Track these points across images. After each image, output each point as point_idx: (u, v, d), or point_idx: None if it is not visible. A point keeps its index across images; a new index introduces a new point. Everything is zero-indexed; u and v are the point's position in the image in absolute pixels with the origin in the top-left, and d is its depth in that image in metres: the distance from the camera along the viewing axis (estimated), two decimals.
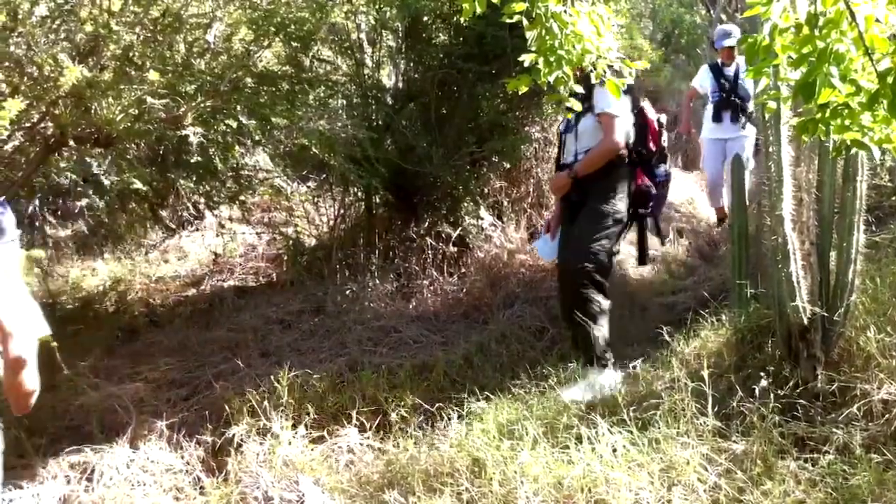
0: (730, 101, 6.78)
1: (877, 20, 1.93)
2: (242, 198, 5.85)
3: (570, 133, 4.17)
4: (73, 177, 5.10)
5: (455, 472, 2.98)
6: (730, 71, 6.81)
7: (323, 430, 3.78)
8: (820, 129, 2.14)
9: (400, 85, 6.43)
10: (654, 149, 4.31)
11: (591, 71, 3.39)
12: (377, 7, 6.03)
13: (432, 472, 3.04)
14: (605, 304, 4.08)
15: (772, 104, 2.98)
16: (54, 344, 3.53)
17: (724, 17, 10.81)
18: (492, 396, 3.79)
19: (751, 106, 6.61)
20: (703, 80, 7.10)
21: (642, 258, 4.69)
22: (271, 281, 6.36)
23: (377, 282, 5.67)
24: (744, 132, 6.75)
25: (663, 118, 4.53)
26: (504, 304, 5.42)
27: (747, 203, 4.62)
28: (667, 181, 4.50)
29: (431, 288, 5.71)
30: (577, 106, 3.14)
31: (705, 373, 3.19)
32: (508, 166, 6.52)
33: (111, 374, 4.46)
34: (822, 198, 3.46)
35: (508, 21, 2.91)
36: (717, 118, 6.86)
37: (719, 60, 6.92)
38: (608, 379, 3.80)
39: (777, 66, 2.27)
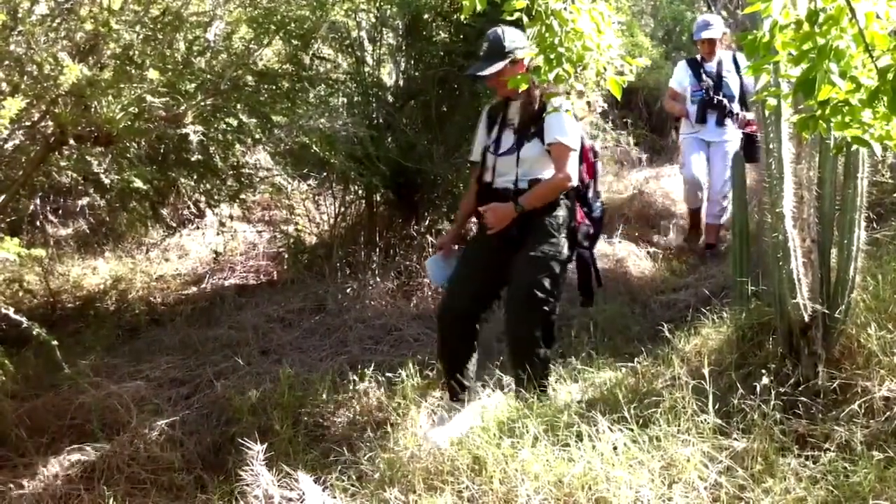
0: (713, 101, 6.16)
1: (877, 17, 1.93)
2: (243, 196, 5.85)
3: (508, 155, 3.61)
4: (74, 175, 5.09)
5: (455, 470, 2.98)
6: (711, 66, 6.18)
7: (323, 428, 3.78)
8: (821, 126, 2.14)
9: (400, 83, 6.43)
10: (588, 180, 3.84)
11: (542, 94, 3.40)
12: (377, 5, 6.02)
13: (433, 470, 3.04)
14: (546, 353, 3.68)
15: (772, 101, 2.98)
16: (55, 342, 3.55)
17: (724, 13, 10.80)
18: (492, 394, 3.80)
19: (736, 106, 6.12)
20: (681, 79, 6.38)
21: (588, 296, 4.05)
22: (272, 279, 6.37)
23: (378, 280, 5.67)
24: (727, 137, 6.19)
25: (598, 145, 4.17)
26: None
27: (747, 200, 4.62)
28: (602, 217, 4.01)
29: (432, 286, 5.71)
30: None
31: (706, 370, 3.18)
32: None
33: (112, 373, 4.46)
34: (823, 195, 3.46)
35: (509, 18, 2.91)
36: (701, 119, 6.22)
37: (699, 56, 6.31)
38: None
39: (777, 62, 2.27)
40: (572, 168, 3.56)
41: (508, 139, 3.62)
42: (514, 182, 3.58)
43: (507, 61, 3.42)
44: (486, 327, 5.03)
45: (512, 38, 3.45)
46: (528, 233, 3.55)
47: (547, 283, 3.50)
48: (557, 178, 3.53)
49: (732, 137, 6.15)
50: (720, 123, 6.15)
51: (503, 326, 3.72)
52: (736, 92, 6.12)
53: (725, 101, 6.11)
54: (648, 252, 6.42)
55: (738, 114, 6.06)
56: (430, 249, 4.71)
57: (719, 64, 6.15)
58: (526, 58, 3.25)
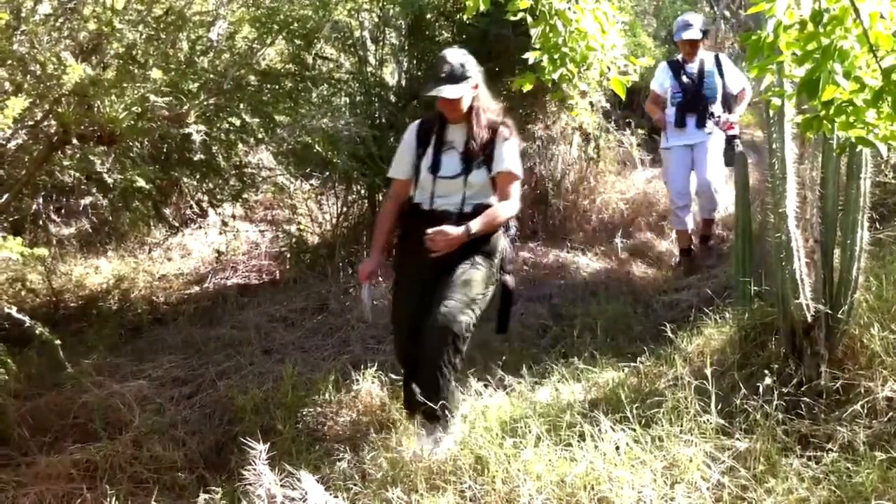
0: (694, 103, 5.84)
1: (881, 17, 1.93)
2: (246, 196, 5.86)
3: (452, 179, 3.44)
4: (77, 175, 5.09)
5: (458, 469, 2.98)
6: (693, 67, 5.87)
7: (326, 427, 3.78)
8: (824, 126, 2.14)
9: (403, 83, 6.44)
10: None
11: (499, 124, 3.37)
12: (380, 5, 6.03)
13: (435, 470, 3.04)
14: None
15: (776, 101, 2.98)
16: (57, 342, 3.55)
17: (727, 13, 10.78)
18: (495, 394, 3.80)
19: (717, 108, 5.83)
20: (661, 80, 6.02)
21: (505, 323, 3.75)
22: (274, 279, 6.37)
23: (380, 279, 5.67)
24: (710, 137, 5.85)
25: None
26: None
27: (750, 200, 4.62)
28: (515, 240, 3.86)
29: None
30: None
31: (708, 370, 3.18)
32: None
33: (114, 372, 4.46)
34: (826, 195, 3.46)
35: (512, 18, 2.92)
36: (680, 123, 5.87)
37: (679, 56, 6.00)
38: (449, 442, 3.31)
39: (781, 62, 2.27)
40: (519, 197, 3.49)
41: (452, 162, 3.45)
42: (459, 206, 3.44)
43: (470, 84, 3.35)
44: (486, 326, 5.05)
45: (470, 61, 3.38)
46: (465, 256, 3.40)
47: (476, 309, 3.39)
48: (510, 209, 3.44)
49: (715, 137, 5.84)
50: (700, 125, 5.84)
51: (426, 344, 3.35)
52: (718, 94, 5.86)
53: (704, 101, 5.82)
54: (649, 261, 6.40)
55: (718, 116, 5.76)
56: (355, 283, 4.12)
57: (701, 65, 5.87)
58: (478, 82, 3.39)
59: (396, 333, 3.65)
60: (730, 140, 5.56)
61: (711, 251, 6.25)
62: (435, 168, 3.47)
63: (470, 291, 3.36)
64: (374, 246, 3.74)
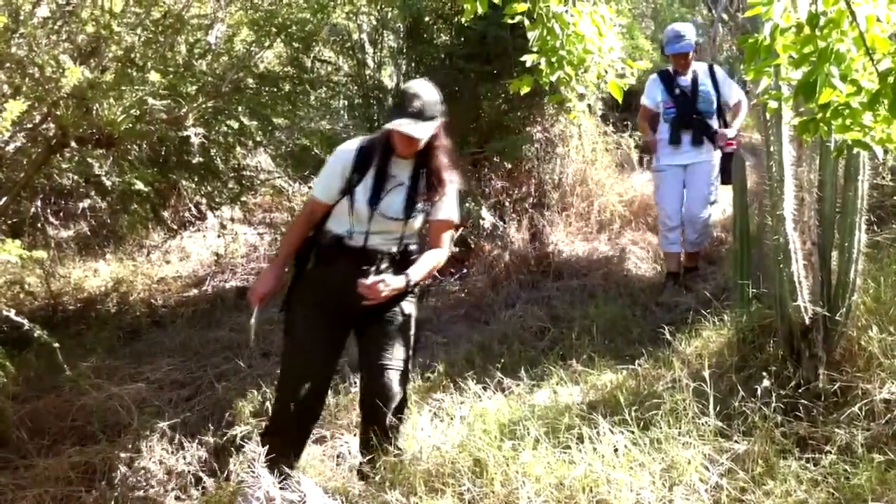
0: (689, 118, 5.48)
1: (878, 20, 1.94)
2: (244, 198, 5.86)
3: (395, 220, 3.15)
4: (75, 177, 5.10)
5: (457, 472, 2.98)
6: (685, 80, 5.53)
7: (325, 430, 3.78)
8: (821, 129, 2.14)
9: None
10: None
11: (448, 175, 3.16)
12: (379, 7, 6.04)
13: (434, 473, 3.04)
14: None
15: (773, 104, 2.99)
16: (56, 344, 3.55)
17: (725, 16, 10.79)
18: (493, 396, 3.80)
19: (714, 123, 5.50)
20: (653, 94, 5.70)
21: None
22: None
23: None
24: (706, 156, 5.51)
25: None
26: (505, 305, 5.43)
27: (748, 203, 4.62)
28: None
29: (432, 288, 5.71)
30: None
31: (707, 373, 3.18)
32: (510, 166, 6.52)
33: (113, 375, 4.46)
34: (824, 197, 3.46)
35: (510, 21, 2.92)
36: (674, 139, 5.52)
37: (670, 68, 5.62)
38: None
39: (778, 65, 2.27)
40: (450, 244, 3.34)
41: (397, 201, 3.14)
42: (394, 247, 3.16)
43: (437, 124, 3.14)
44: (485, 329, 5.05)
45: (438, 97, 3.20)
46: (394, 299, 3.14)
47: (410, 350, 3.25)
48: (444, 256, 3.27)
49: (711, 156, 5.52)
50: (697, 143, 5.48)
51: (366, 400, 3.18)
52: (713, 107, 5.52)
53: (699, 116, 5.48)
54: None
55: (716, 131, 5.45)
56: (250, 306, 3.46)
57: (695, 77, 5.52)
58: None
59: (293, 378, 3.17)
60: (729, 157, 5.34)
61: (696, 280, 5.77)
62: (375, 202, 3.12)
63: (405, 335, 3.20)
64: (274, 265, 3.35)
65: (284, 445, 3.09)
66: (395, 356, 3.14)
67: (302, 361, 3.17)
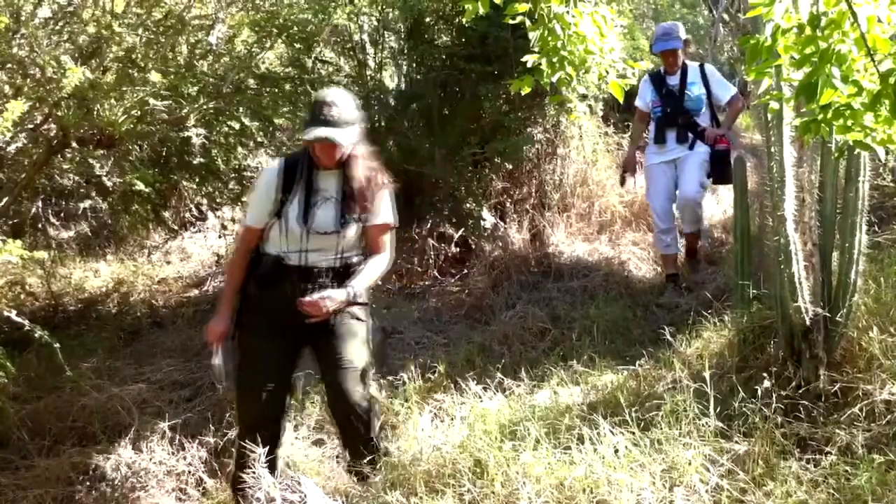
0: (674, 117, 5.50)
1: (879, 20, 1.94)
2: (245, 199, 5.86)
3: (328, 235, 3.11)
4: (76, 178, 5.11)
5: (457, 473, 2.98)
6: (674, 80, 5.54)
7: (324, 431, 3.78)
8: (822, 130, 2.14)
9: (402, 86, 6.45)
10: None
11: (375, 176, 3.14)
12: (379, 8, 6.04)
13: (434, 473, 3.04)
14: None
15: (774, 105, 2.99)
16: (57, 345, 3.55)
17: (726, 17, 10.80)
18: (494, 397, 3.80)
19: (703, 120, 5.50)
20: (644, 95, 5.73)
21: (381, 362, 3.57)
22: None
23: (379, 282, 5.67)
24: (693, 150, 5.49)
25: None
26: (506, 305, 5.43)
27: (748, 203, 4.62)
28: None
29: (433, 289, 5.72)
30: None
31: (707, 373, 3.18)
32: (511, 167, 6.52)
33: (114, 375, 4.46)
34: (825, 198, 3.46)
35: (511, 22, 2.92)
36: (659, 139, 5.56)
37: (662, 68, 5.64)
38: None
39: (779, 66, 2.27)
40: (393, 246, 3.32)
41: (328, 215, 3.11)
42: (333, 262, 3.13)
43: (356, 130, 3.11)
44: (486, 329, 5.05)
45: (355, 104, 3.18)
46: (343, 311, 3.12)
47: (370, 356, 3.22)
48: (387, 261, 3.25)
49: (699, 149, 5.47)
50: (681, 140, 5.48)
51: (336, 409, 3.16)
52: (703, 105, 5.51)
53: (685, 115, 5.48)
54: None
55: (703, 128, 5.44)
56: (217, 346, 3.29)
57: (683, 76, 5.51)
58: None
59: (250, 402, 3.16)
60: (722, 155, 5.35)
61: (699, 266, 5.88)
62: (306, 220, 3.08)
63: (363, 347, 3.16)
64: (224, 302, 3.26)
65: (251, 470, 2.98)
66: (353, 360, 3.10)
67: (257, 387, 3.11)
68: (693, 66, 5.62)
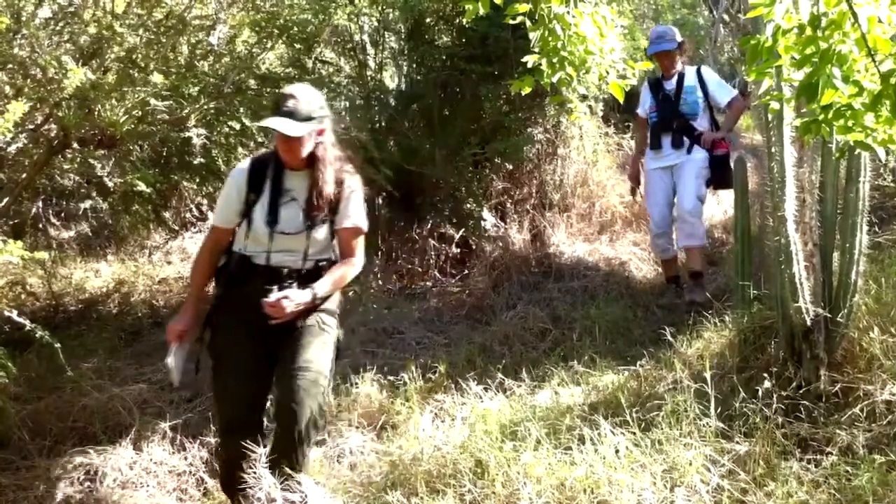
0: (669, 121, 5.41)
1: (879, 21, 1.94)
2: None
3: (295, 235, 3.04)
4: (77, 178, 5.11)
5: (458, 473, 2.98)
6: (670, 84, 5.46)
7: (325, 431, 3.78)
8: (823, 130, 2.14)
9: (402, 86, 6.46)
10: None
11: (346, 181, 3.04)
12: (380, 9, 6.04)
13: (435, 474, 3.04)
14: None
15: (775, 105, 2.99)
16: (57, 345, 3.55)
17: (726, 17, 10.80)
18: (495, 397, 3.80)
19: (701, 124, 5.40)
20: (643, 101, 5.67)
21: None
22: None
23: (380, 283, 5.69)
24: (690, 156, 5.38)
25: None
26: (507, 305, 5.43)
27: (749, 204, 4.62)
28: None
29: (434, 289, 5.72)
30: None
31: (708, 374, 3.18)
32: (511, 167, 6.53)
33: (114, 376, 4.46)
34: (825, 199, 3.46)
35: (511, 22, 2.92)
36: (655, 144, 5.48)
37: (660, 73, 5.56)
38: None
39: (780, 67, 2.27)
40: (363, 251, 3.22)
41: (294, 216, 3.03)
42: (299, 263, 3.05)
43: (314, 126, 2.97)
44: (487, 329, 5.05)
45: (319, 102, 3.05)
46: (308, 315, 3.04)
47: (330, 372, 3.08)
48: (356, 265, 3.16)
49: (696, 155, 5.36)
50: (677, 145, 5.38)
51: (278, 414, 2.98)
52: (700, 109, 5.41)
53: (681, 119, 5.38)
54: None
55: (700, 133, 5.34)
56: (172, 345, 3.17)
57: (680, 80, 5.42)
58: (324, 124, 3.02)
59: (226, 404, 3.08)
60: (721, 160, 5.28)
61: (701, 288, 5.35)
62: (273, 221, 3.03)
63: (324, 355, 3.04)
64: (188, 300, 3.21)
65: (236, 472, 2.93)
66: (310, 369, 2.97)
67: (231, 389, 3.05)
68: (690, 70, 5.54)
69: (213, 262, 3.16)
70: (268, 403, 3.15)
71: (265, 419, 3.15)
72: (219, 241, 3.14)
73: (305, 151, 2.99)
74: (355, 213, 3.11)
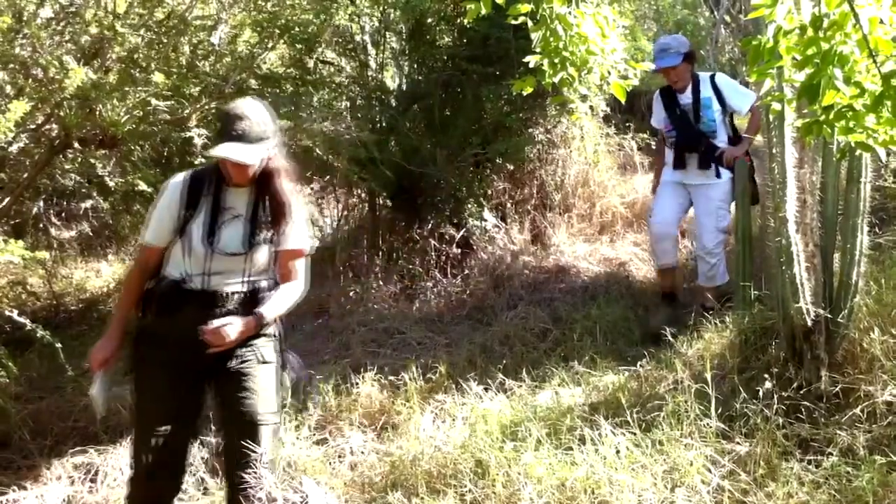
0: (693, 141, 4.94)
1: (881, 22, 1.94)
2: None
3: (236, 256, 2.79)
4: (78, 178, 5.11)
5: (458, 473, 2.99)
6: (686, 98, 4.97)
7: (326, 431, 3.78)
8: (824, 131, 2.14)
9: (404, 87, 6.46)
10: None
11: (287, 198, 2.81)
12: (381, 9, 6.05)
13: (436, 474, 3.04)
14: None
15: (776, 106, 2.99)
16: (58, 345, 3.55)
17: (727, 18, 10.80)
18: (495, 398, 3.80)
19: (722, 141, 4.95)
20: (657, 113, 5.22)
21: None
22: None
23: (381, 283, 5.68)
24: (714, 178, 4.93)
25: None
26: (507, 306, 5.43)
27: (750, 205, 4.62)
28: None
29: (435, 289, 5.72)
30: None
31: (709, 374, 3.19)
32: (512, 168, 6.53)
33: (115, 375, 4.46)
34: (826, 199, 3.47)
35: (513, 22, 2.92)
36: (679, 164, 5.02)
37: (673, 86, 5.05)
38: None
39: (781, 67, 2.28)
40: (306, 274, 2.96)
41: (235, 235, 2.80)
42: (239, 286, 2.79)
43: (268, 146, 2.77)
44: (487, 329, 5.05)
45: (270, 117, 2.83)
46: (247, 344, 2.80)
47: (277, 399, 2.87)
48: (300, 288, 2.91)
49: (721, 178, 4.93)
50: (704, 166, 4.93)
51: (229, 464, 2.79)
52: (718, 126, 4.96)
53: (704, 136, 4.94)
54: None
55: (721, 151, 4.89)
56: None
57: (696, 93, 4.94)
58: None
59: (144, 446, 2.77)
60: (747, 174, 4.72)
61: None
62: (212, 240, 2.77)
63: (269, 384, 2.82)
64: (114, 325, 2.90)
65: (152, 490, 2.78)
66: (258, 413, 2.75)
67: (152, 430, 2.75)
68: (704, 79, 5.04)
69: (143, 284, 2.87)
70: (192, 448, 2.95)
71: (188, 465, 2.96)
72: (148, 261, 2.86)
73: (257, 170, 2.78)
74: (298, 234, 2.89)
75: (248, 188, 2.82)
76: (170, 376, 2.75)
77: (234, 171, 2.74)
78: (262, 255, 2.82)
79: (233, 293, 2.78)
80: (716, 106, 4.96)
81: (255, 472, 2.68)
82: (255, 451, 2.68)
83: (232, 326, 2.63)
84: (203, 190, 2.82)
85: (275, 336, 2.90)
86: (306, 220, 2.98)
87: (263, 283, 2.85)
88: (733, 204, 4.86)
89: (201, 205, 2.80)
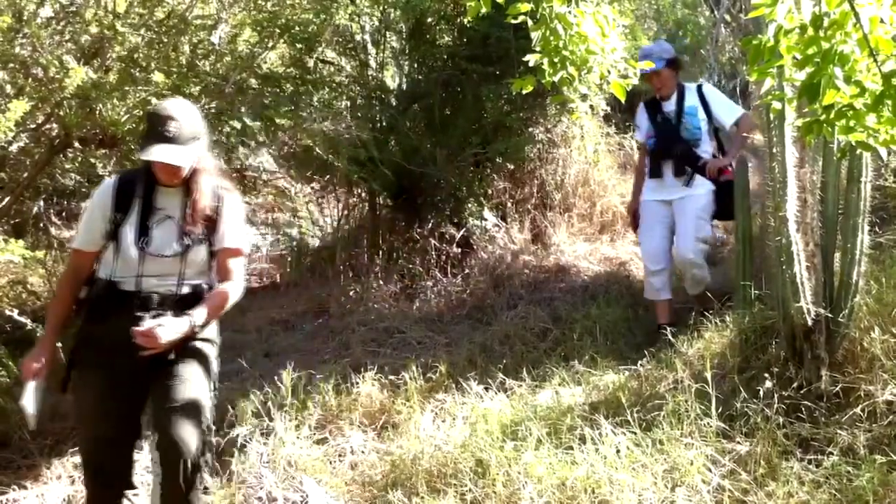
0: (670, 148, 4.80)
1: (881, 21, 1.94)
2: (246, 199, 5.87)
3: (169, 258, 2.76)
4: (78, 178, 5.11)
5: (459, 472, 2.99)
6: (669, 105, 4.86)
7: (326, 431, 3.78)
8: (825, 130, 2.14)
9: (404, 86, 6.46)
10: None
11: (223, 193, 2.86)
12: (381, 8, 6.05)
13: (436, 473, 3.05)
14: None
15: (776, 105, 2.99)
16: (58, 344, 3.55)
17: (727, 17, 10.78)
18: (496, 397, 3.80)
19: (705, 150, 4.81)
20: (640, 124, 5.10)
21: None
22: (275, 282, 6.38)
23: (381, 283, 5.68)
24: (693, 190, 4.77)
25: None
26: (507, 305, 5.43)
27: (750, 204, 4.61)
28: None
29: (435, 289, 5.72)
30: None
31: (709, 374, 3.19)
32: (512, 167, 6.53)
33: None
34: (827, 199, 3.46)
35: (513, 22, 2.92)
36: (655, 172, 4.88)
37: (657, 94, 4.93)
38: None
39: (782, 67, 2.27)
40: (244, 274, 2.92)
41: (168, 236, 2.77)
42: (174, 289, 2.76)
43: (199, 146, 2.77)
44: (488, 329, 5.05)
45: (198, 116, 2.84)
46: (181, 345, 2.72)
47: (211, 405, 2.83)
48: (236, 289, 2.84)
49: (699, 189, 4.78)
50: (679, 173, 4.78)
51: (164, 460, 2.70)
52: (702, 134, 4.82)
53: (682, 144, 4.79)
54: None
55: (704, 161, 4.75)
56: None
57: (679, 100, 4.83)
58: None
59: (88, 453, 2.82)
60: (728, 188, 4.57)
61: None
62: (144, 242, 2.75)
63: (203, 390, 2.78)
64: (45, 335, 2.89)
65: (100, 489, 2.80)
66: (189, 407, 2.71)
67: (93, 435, 2.78)
68: (690, 88, 4.94)
69: (75, 291, 2.85)
70: (138, 447, 2.95)
71: (136, 466, 2.96)
72: (81, 267, 2.85)
73: (187, 171, 2.76)
74: (234, 233, 2.86)
75: (179, 188, 2.80)
76: (106, 379, 2.73)
77: (165, 172, 2.73)
78: (197, 255, 2.79)
79: (168, 296, 2.74)
80: (701, 115, 4.85)
81: (185, 462, 2.65)
82: (183, 441, 2.65)
83: (163, 328, 2.57)
84: (134, 192, 2.80)
85: (212, 341, 2.88)
86: (244, 219, 2.97)
87: (203, 285, 2.82)
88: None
89: (133, 207, 2.79)
